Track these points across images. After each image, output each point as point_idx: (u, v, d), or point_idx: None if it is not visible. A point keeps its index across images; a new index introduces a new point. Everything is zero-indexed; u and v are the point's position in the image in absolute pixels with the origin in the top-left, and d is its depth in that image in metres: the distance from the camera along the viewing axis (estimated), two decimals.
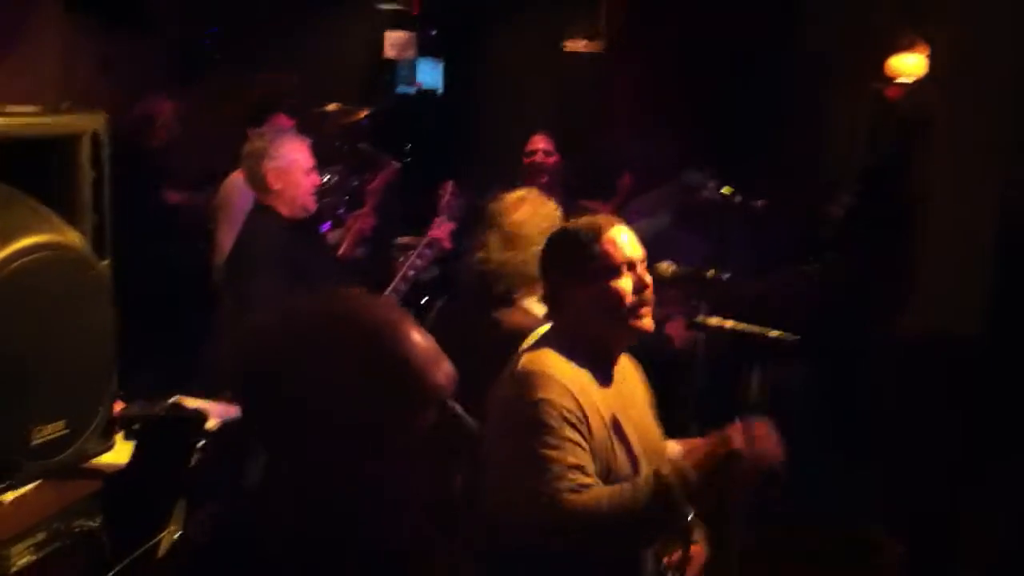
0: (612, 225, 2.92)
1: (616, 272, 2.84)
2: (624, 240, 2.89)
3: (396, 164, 6.12)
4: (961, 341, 4.79)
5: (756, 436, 2.68)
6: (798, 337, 2.97)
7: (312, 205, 4.67)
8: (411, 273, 4.70)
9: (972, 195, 5.00)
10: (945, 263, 5.08)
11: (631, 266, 2.87)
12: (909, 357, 5.06)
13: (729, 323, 3.09)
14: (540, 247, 3.04)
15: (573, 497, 2.58)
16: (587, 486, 2.61)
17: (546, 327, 3.05)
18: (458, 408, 1.74)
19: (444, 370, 1.71)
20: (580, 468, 2.63)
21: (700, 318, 3.12)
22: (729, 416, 2.80)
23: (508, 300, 3.67)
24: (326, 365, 1.63)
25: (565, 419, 2.66)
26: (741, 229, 5.38)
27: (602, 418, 2.77)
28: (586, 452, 2.67)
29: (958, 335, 4.82)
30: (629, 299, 2.85)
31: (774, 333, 2.98)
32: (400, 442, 1.66)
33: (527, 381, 2.72)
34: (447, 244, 4.80)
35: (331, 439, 1.63)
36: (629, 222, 3.04)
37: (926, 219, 5.24)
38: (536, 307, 3.55)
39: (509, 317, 3.61)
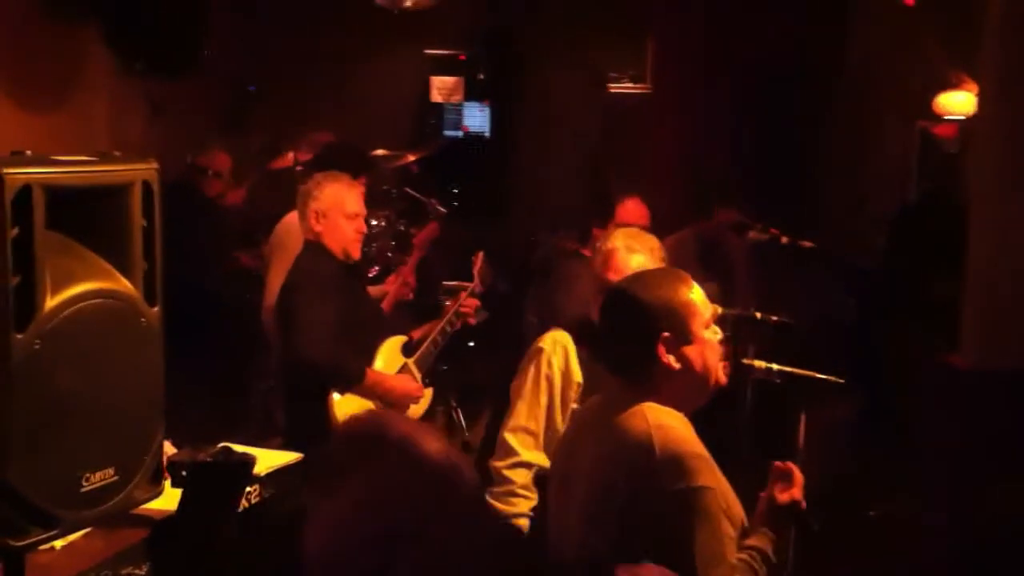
0: (689, 279, 2.86)
1: (707, 326, 2.80)
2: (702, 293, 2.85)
3: (441, 210, 6.21)
4: (1014, 378, 4.73)
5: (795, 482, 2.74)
6: (844, 380, 2.95)
7: (356, 252, 4.75)
8: (440, 340, 4.92)
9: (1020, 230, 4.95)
10: (996, 299, 5.02)
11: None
12: (961, 394, 5.00)
13: (776, 365, 3.07)
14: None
15: None
16: None
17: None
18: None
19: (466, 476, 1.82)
20: (733, 568, 2.57)
21: (747, 360, 3.10)
22: (777, 459, 2.78)
23: None
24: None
25: (723, 510, 2.59)
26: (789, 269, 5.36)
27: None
28: (733, 542, 2.61)
29: (1010, 371, 4.76)
30: (721, 353, 2.81)
31: (821, 375, 2.97)
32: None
33: (684, 464, 2.57)
34: (472, 320, 5.09)
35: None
36: None
37: (977, 255, 5.19)
38: None
39: None
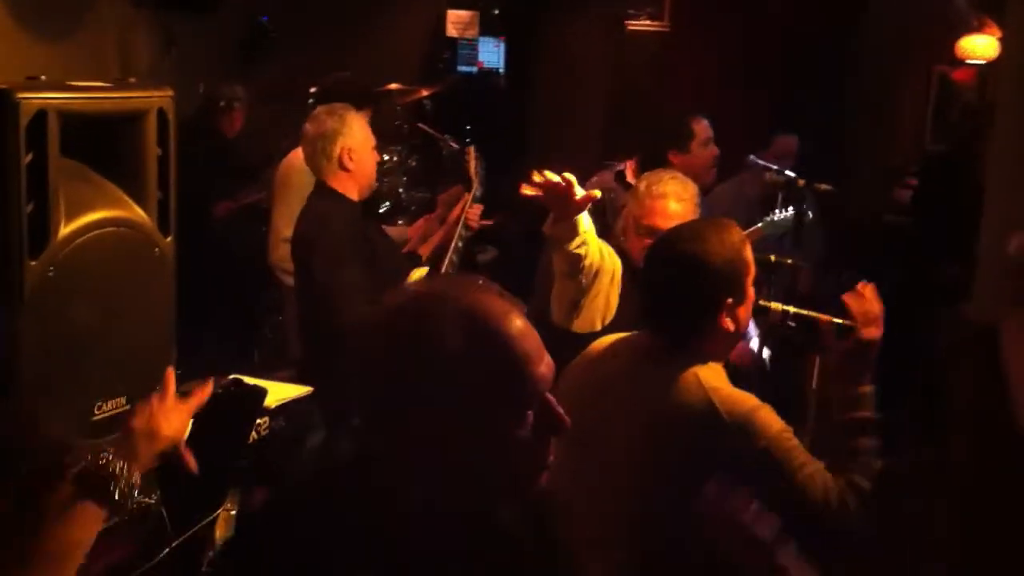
0: (742, 232, 2.81)
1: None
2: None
3: (454, 146, 6.11)
4: None
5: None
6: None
7: (375, 183, 4.65)
8: (456, 260, 4.76)
9: None
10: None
11: None
12: (973, 346, 4.99)
13: (792, 307, 3.04)
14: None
15: (858, 482, 2.60)
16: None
17: None
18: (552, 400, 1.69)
19: (546, 362, 1.69)
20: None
21: (763, 302, 3.06)
22: (789, 402, 2.78)
23: None
24: (429, 350, 1.62)
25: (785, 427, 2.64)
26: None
27: None
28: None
29: None
30: None
31: (837, 319, 2.94)
32: (499, 434, 1.65)
33: (756, 418, 2.59)
34: (475, 226, 4.83)
35: (429, 422, 1.63)
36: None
37: (994, 205, 5.15)
38: None
39: None
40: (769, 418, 2.60)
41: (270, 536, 1.70)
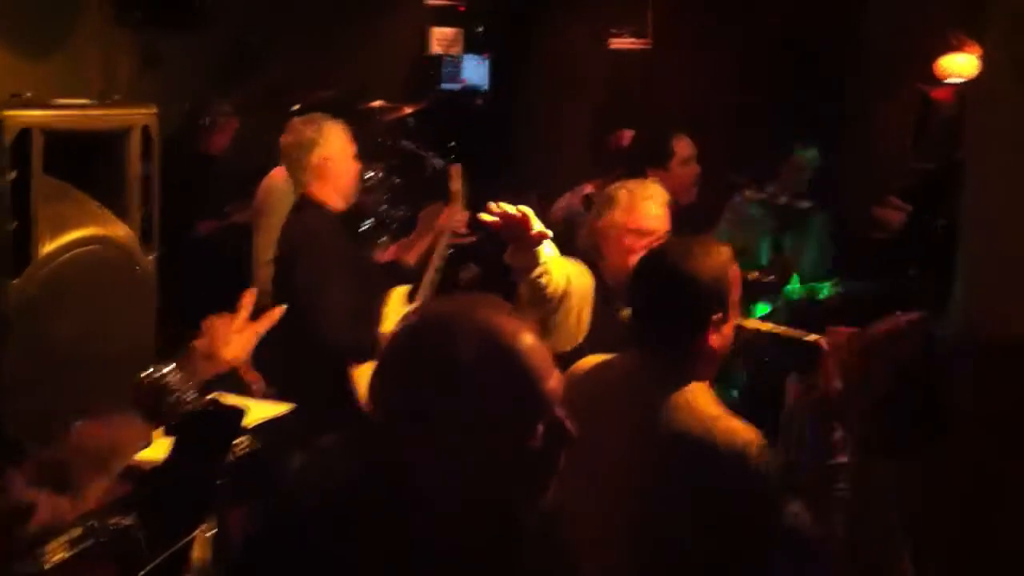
0: (728, 249, 2.81)
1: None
2: None
3: (439, 163, 6.12)
4: (1008, 347, 4.72)
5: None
6: None
7: (356, 194, 4.60)
8: (436, 278, 4.73)
9: None
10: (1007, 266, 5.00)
11: None
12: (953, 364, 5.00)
13: (767, 325, 3.05)
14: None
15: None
16: None
17: None
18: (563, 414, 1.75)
19: (555, 376, 1.75)
20: None
21: (738, 320, 3.07)
22: (768, 421, 2.78)
23: None
24: (445, 365, 1.69)
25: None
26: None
27: None
28: None
29: (1007, 339, 4.74)
30: None
31: (812, 337, 2.95)
32: (510, 446, 1.71)
33: (751, 451, 2.56)
34: (464, 229, 4.85)
35: (444, 435, 1.69)
36: None
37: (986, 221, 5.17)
38: None
39: None
40: (766, 451, 2.58)
41: (288, 549, 1.74)
